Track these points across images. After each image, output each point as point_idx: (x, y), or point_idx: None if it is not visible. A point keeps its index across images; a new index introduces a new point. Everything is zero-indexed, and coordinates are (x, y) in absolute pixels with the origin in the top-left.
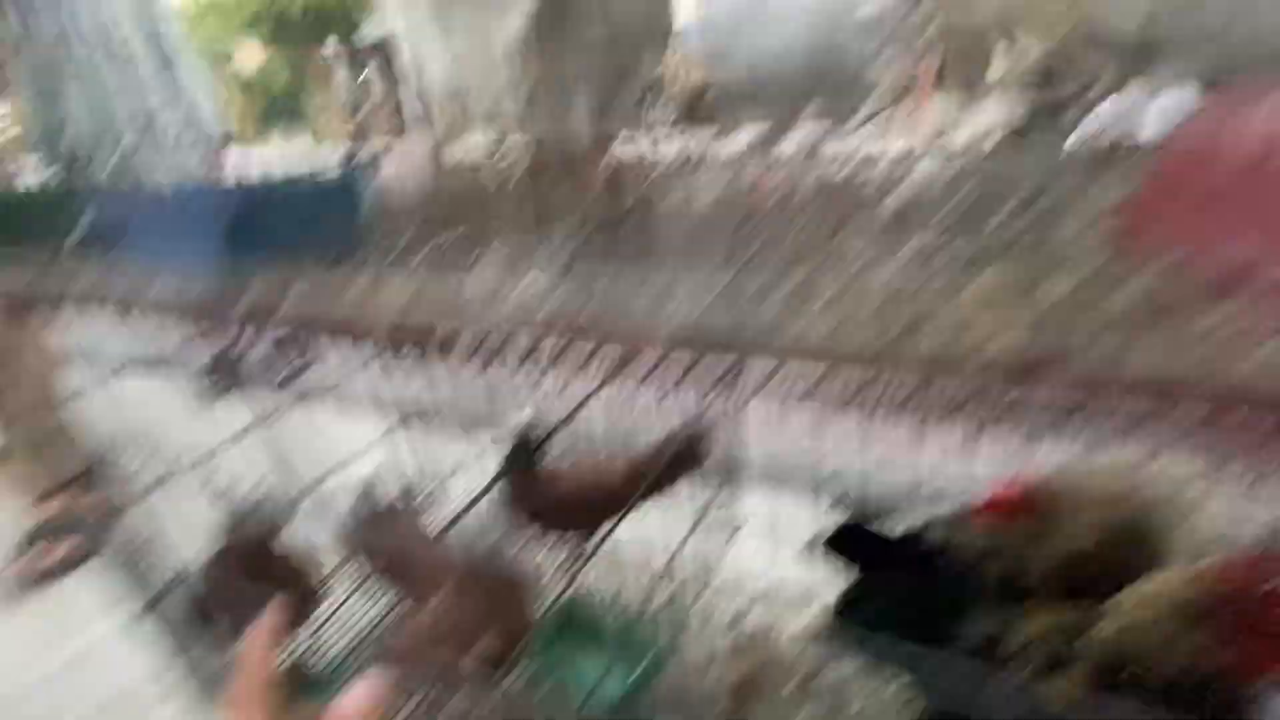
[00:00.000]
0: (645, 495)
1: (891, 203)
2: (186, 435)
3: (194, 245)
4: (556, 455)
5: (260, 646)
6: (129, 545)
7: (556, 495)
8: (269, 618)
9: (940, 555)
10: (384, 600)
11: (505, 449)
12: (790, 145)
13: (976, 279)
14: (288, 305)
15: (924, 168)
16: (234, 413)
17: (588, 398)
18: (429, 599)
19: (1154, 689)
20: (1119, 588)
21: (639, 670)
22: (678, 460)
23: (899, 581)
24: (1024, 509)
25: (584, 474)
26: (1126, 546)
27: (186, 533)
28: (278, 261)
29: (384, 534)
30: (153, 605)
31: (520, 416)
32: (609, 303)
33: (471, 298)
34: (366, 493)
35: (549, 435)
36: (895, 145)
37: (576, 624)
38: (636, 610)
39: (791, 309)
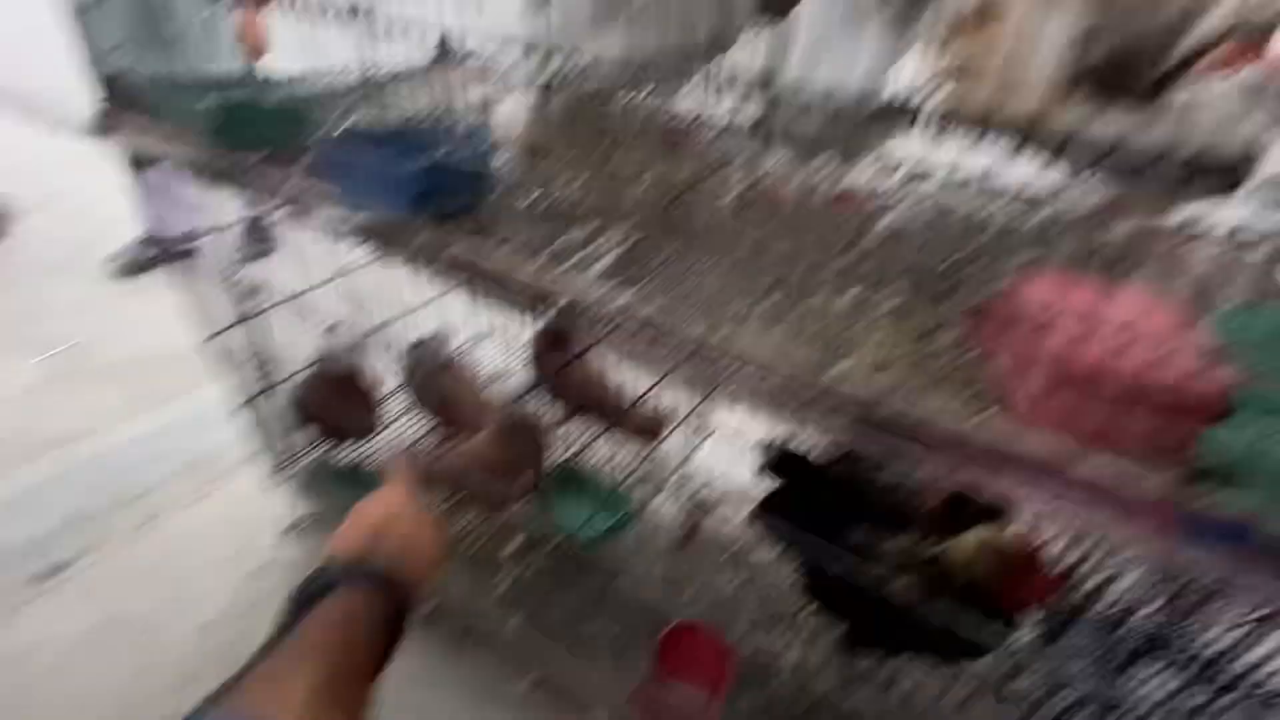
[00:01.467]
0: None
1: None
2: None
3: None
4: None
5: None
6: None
7: (574, 376)
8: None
9: (845, 483)
10: (428, 426)
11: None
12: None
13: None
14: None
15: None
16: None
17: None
18: (465, 431)
19: (960, 604)
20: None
21: (615, 519)
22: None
23: (813, 494)
24: None
25: (593, 373)
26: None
27: (290, 351)
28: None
29: (433, 376)
30: (249, 401)
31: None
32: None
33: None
34: (422, 341)
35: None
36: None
37: (573, 480)
38: (620, 478)
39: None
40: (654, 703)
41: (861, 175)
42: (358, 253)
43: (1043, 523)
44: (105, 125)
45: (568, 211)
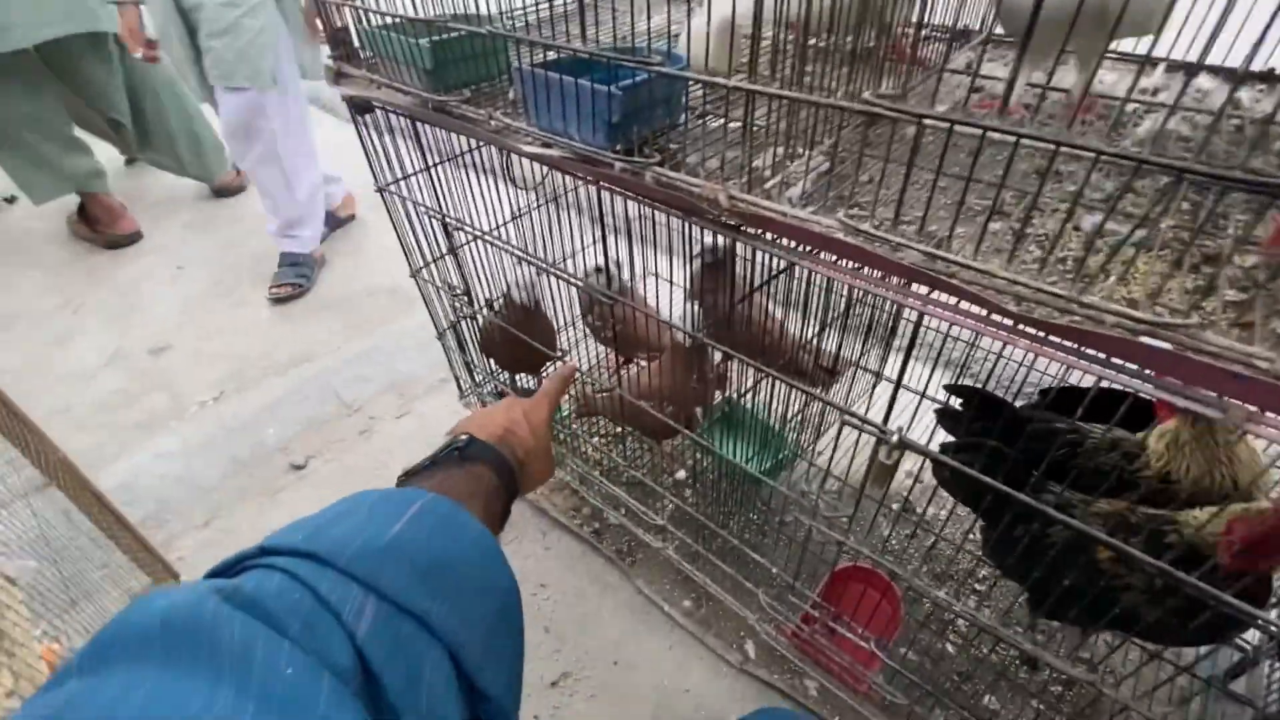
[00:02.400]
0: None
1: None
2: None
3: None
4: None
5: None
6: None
7: (742, 313)
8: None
9: (1048, 436)
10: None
11: (702, 256)
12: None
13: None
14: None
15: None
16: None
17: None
18: (641, 357)
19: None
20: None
21: (779, 458)
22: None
23: (1008, 444)
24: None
25: (764, 311)
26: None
27: (480, 286)
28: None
29: (609, 303)
30: (442, 334)
31: (710, 240)
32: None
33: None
34: (601, 268)
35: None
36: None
37: (737, 418)
38: (787, 418)
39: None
40: (816, 642)
41: (1108, 77)
42: (540, 190)
43: None
44: (337, 76)
45: (762, 133)
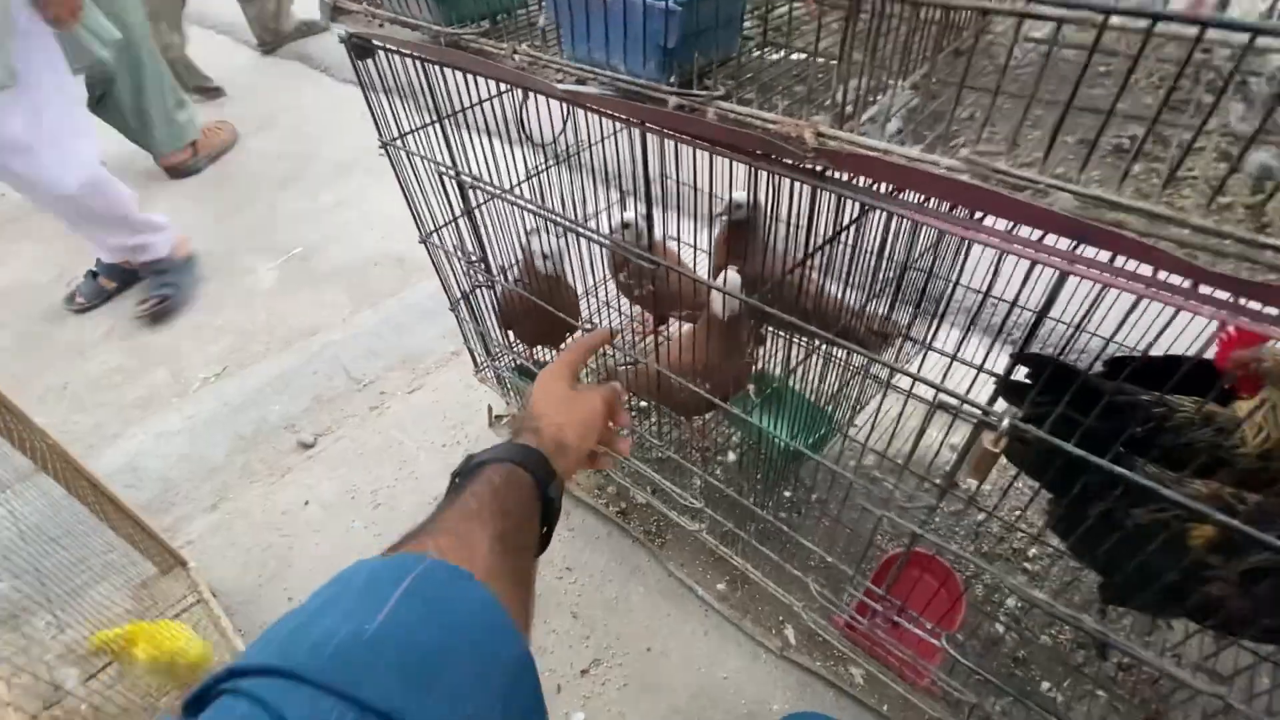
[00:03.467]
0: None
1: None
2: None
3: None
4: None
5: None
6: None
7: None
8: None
9: (1129, 410)
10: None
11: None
12: None
13: None
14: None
15: None
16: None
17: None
18: (676, 313)
19: None
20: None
21: (815, 438)
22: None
23: (1081, 414)
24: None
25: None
26: None
27: (495, 254)
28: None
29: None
30: (455, 304)
31: (738, 195)
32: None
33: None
34: (630, 223)
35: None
36: None
37: (778, 397)
38: (822, 397)
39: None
40: (875, 635)
41: None
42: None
43: None
44: (334, 11)
45: (833, 65)
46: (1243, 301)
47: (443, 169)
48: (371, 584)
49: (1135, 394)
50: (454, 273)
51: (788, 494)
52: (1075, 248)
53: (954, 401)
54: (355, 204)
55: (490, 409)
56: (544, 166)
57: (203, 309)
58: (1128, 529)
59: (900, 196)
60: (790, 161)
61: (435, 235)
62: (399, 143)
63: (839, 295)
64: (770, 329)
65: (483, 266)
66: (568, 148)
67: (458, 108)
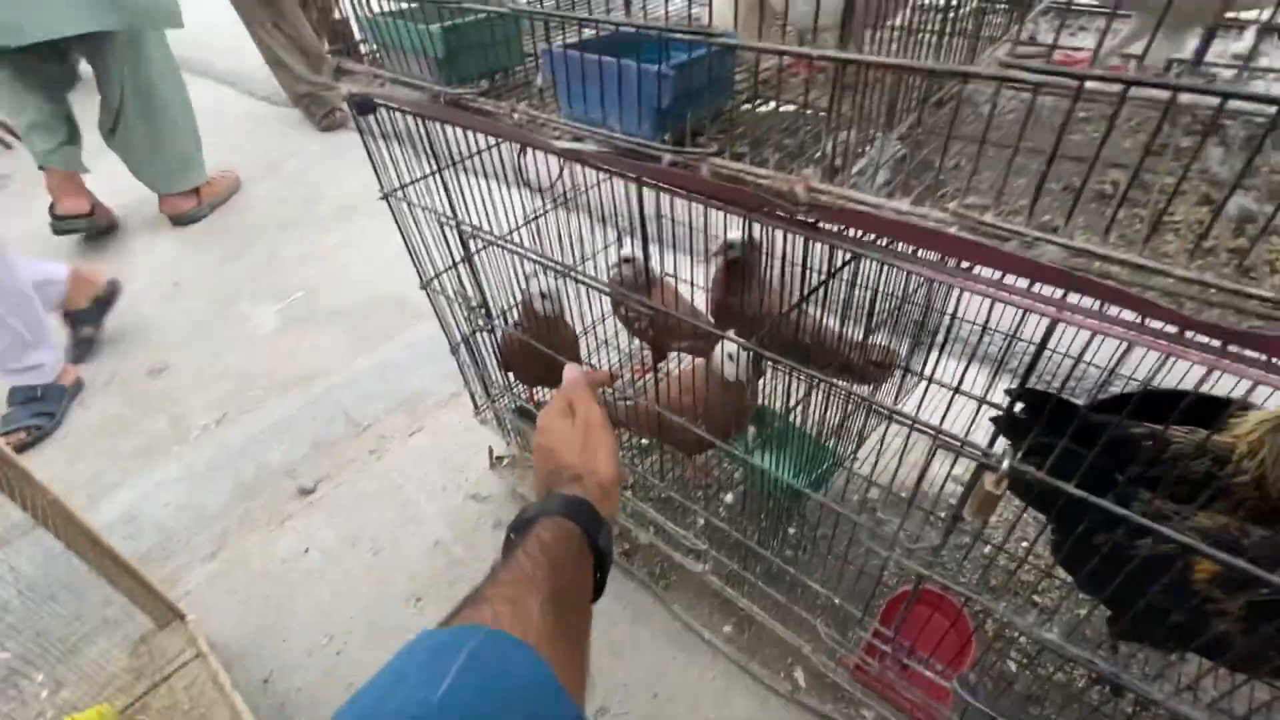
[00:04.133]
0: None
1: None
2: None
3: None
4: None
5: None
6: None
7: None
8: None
9: (1129, 444)
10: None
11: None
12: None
13: None
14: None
15: None
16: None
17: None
18: (676, 345)
19: None
20: None
21: (822, 470)
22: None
23: (1081, 447)
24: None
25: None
26: None
27: (496, 296)
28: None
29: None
30: (455, 348)
31: (734, 235)
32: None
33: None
34: (630, 259)
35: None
36: None
37: (779, 435)
38: (824, 433)
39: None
40: (886, 678)
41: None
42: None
43: None
44: (337, 71)
45: (822, 117)
46: (1231, 347)
47: (443, 219)
48: (434, 657)
49: (1130, 427)
50: (454, 318)
51: (791, 530)
52: (1065, 295)
53: (955, 443)
54: (357, 245)
55: (491, 450)
56: (542, 211)
57: (202, 355)
58: (1133, 562)
59: (891, 246)
60: (783, 214)
61: (436, 281)
62: (399, 193)
63: (837, 329)
64: (770, 363)
65: (483, 312)
66: (564, 191)
67: (457, 158)
